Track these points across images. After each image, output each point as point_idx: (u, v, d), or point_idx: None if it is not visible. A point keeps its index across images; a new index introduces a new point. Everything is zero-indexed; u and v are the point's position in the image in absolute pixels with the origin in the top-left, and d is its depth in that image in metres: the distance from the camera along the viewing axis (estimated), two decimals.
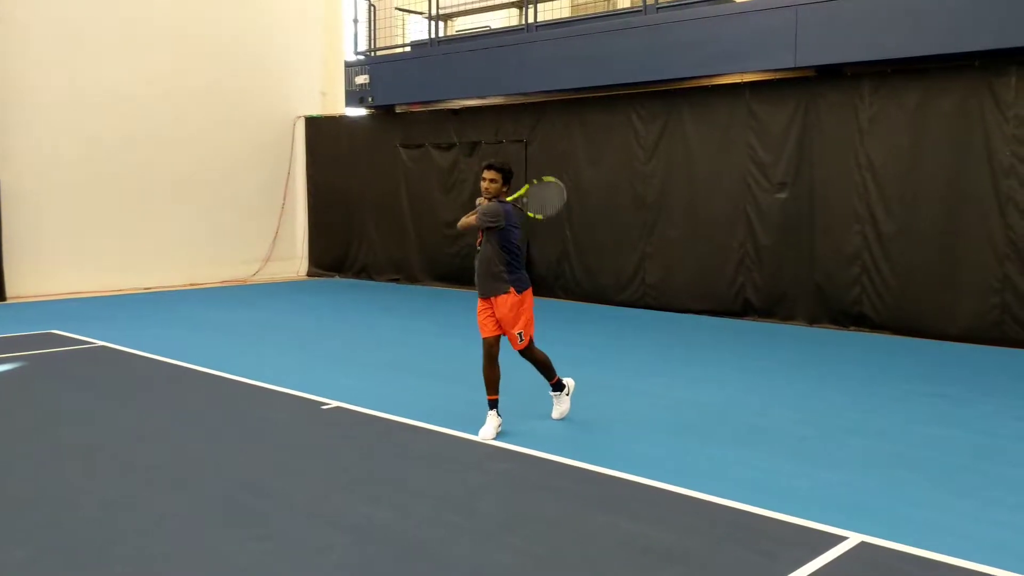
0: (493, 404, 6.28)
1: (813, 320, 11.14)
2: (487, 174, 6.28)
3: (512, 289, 6.26)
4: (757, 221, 11.50)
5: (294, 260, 17.57)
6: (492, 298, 6.29)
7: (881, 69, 10.44)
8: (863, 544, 4.37)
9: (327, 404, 7.12)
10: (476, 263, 6.39)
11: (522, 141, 14.01)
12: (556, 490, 5.21)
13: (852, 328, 10.79)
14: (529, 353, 6.49)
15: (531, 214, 6.65)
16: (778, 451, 5.97)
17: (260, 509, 4.88)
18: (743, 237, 11.64)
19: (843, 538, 4.43)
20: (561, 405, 6.69)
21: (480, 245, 6.35)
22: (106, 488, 5.23)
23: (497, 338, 6.33)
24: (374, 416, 6.79)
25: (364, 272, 16.69)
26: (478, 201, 6.38)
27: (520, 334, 6.31)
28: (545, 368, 6.57)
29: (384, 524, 4.66)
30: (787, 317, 11.37)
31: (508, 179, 6.33)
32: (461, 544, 4.41)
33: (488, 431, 6.20)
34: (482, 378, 6.32)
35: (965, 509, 4.91)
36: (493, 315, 6.31)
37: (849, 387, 7.86)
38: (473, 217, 6.28)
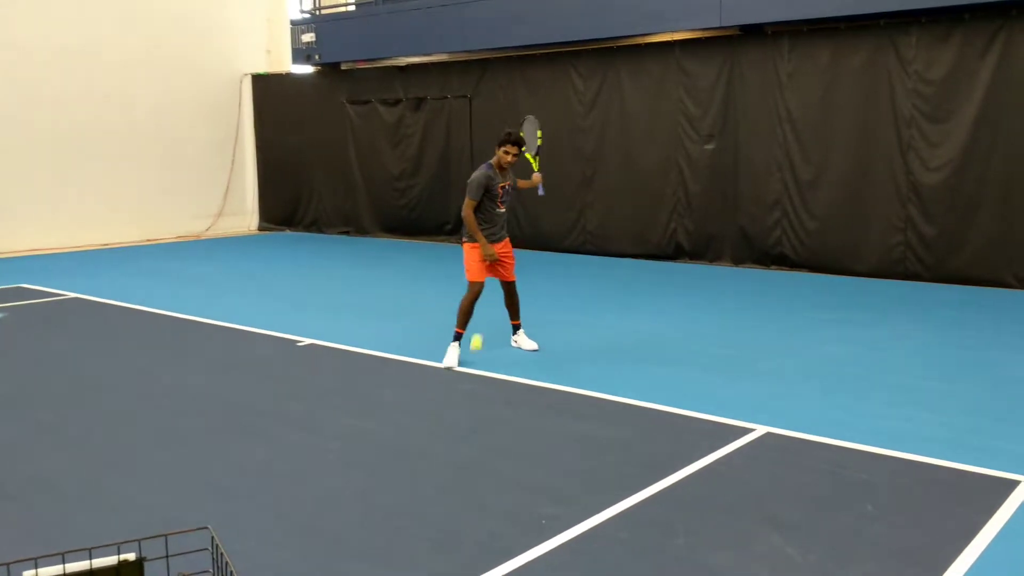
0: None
1: (738, 261, 12.16)
2: (513, 149, 7.01)
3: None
4: (687, 170, 12.43)
5: (245, 215, 18.06)
6: None
7: (798, 28, 11.36)
8: (768, 433, 5.33)
9: (301, 341, 7.87)
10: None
11: (467, 97, 14.68)
12: (513, 402, 6.08)
13: (773, 267, 11.83)
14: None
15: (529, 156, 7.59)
16: (700, 368, 6.92)
17: (258, 425, 5.65)
18: (675, 186, 12.56)
19: (751, 429, 5.38)
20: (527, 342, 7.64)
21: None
22: (120, 413, 5.94)
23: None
24: (346, 350, 7.57)
25: (314, 225, 17.27)
26: (495, 170, 7.10)
27: None
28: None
29: (369, 432, 5.48)
30: (715, 259, 12.37)
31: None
32: (436, 444, 5.25)
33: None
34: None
35: (851, 406, 5.90)
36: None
37: (767, 317, 8.86)
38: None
